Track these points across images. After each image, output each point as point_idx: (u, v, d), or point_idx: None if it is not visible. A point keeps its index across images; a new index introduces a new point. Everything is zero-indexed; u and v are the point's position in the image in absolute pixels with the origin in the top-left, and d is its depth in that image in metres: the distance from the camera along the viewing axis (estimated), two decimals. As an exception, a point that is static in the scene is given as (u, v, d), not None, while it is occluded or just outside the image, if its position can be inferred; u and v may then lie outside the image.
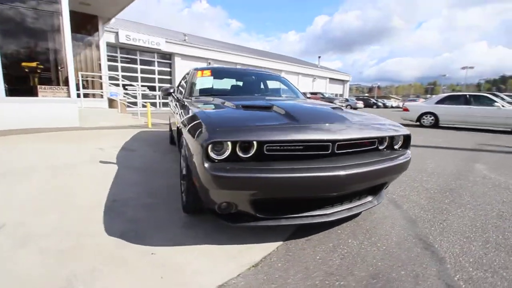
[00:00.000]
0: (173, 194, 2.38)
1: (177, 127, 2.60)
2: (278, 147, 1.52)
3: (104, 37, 9.31)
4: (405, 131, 1.94)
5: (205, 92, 2.87)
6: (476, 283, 1.36)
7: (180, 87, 3.91)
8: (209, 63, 18.25)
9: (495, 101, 8.46)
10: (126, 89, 10.60)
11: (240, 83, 3.19)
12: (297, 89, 3.38)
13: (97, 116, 7.38)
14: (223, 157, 1.44)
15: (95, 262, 1.44)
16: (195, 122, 1.65)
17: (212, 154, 1.43)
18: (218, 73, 3.15)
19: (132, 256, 1.50)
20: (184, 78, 3.99)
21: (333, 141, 1.56)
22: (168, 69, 17.21)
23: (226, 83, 3.02)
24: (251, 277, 1.37)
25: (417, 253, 1.61)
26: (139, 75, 15.74)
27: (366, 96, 44.39)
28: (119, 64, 14.81)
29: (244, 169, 1.40)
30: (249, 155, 1.48)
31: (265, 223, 1.59)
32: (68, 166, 3.11)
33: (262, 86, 3.26)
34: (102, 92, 8.95)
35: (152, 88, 15.59)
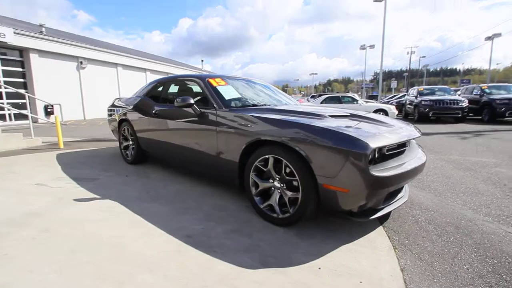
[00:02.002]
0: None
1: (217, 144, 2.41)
2: (392, 148, 1.88)
3: None
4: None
5: (238, 101, 2.75)
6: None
7: (162, 98, 3.42)
8: (81, 62, 15.06)
9: (357, 99, 11.62)
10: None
11: (256, 92, 3.19)
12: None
13: None
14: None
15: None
16: (339, 135, 1.72)
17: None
18: (231, 82, 3.02)
19: None
20: (162, 87, 3.50)
21: (409, 139, 2.07)
22: (19, 69, 12.95)
23: (238, 92, 2.94)
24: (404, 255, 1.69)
25: (450, 209, 2.38)
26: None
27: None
28: None
29: (395, 167, 1.70)
30: (377, 157, 1.77)
31: (381, 212, 1.91)
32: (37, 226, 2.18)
33: (272, 94, 3.38)
34: None
35: (-1, 95, 11.33)
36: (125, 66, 17.79)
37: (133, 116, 3.70)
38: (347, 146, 1.65)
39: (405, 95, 17.85)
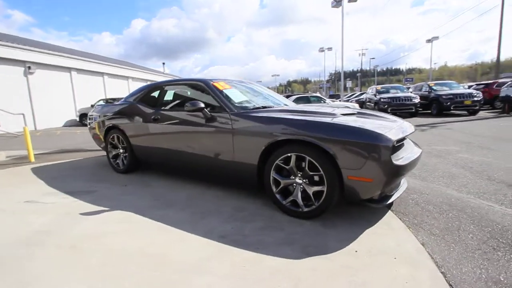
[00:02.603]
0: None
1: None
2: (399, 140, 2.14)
3: None
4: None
5: (247, 104, 2.82)
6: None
7: (159, 103, 3.34)
8: (29, 67, 13.59)
9: (324, 99, 12.31)
10: None
11: (256, 94, 3.27)
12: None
13: None
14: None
15: None
16: (364, 132, 1.92)
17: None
18: (236, 85, 3.08)
19: None
20: (157, 93, 3.42)
21: (411, 133, 2.37)
22: None
23: (242, 94, 3.02)
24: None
25: (438, 191, 2.76)
26: None
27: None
28: None
29: (406, 157, 1.95)
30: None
31: (394, 197, 2.16)
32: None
33: (270, 95, 3.50)
34: None
35: None
36: (80, 71, 16.45)
37: (124, 123, 3.54)
38: (372, 140, 1.85)
39: (363, 93, 19.30)
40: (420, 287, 1.42)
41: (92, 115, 4.15)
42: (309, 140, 2.06)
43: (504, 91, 11.41)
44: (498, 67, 17.56)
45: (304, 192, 2.20)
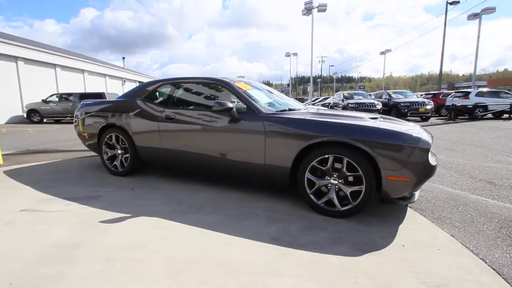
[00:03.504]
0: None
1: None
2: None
3: None
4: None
5: (272, 105, 2.81)
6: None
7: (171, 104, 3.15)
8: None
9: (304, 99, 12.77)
10: None
11: (274, 96, 3.27)
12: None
13: None
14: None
15: None
16: (405, 135, 2.08)
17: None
18: (255, 86, 3.05)
19: None
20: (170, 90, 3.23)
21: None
22: None
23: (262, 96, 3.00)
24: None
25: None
26: None
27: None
28: None
29: (432, 158, 2.17)
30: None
31: (416, 195, 2.36)
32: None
33: (285, 97, 3.53)
34: None
35: None
36: (28, 61, 14.57)
37: (126, 122, 3.26)
38: (414, 143, 2.03)
39: (326, 98, 20.40)
40: (473, 272, 1.60)
41: (84, 112, 3.73)
42: (349, 142, 2.16)
43: (449, 101, 13.10)
44: (440, 80, 20.12)
45: (339, 191, 2.29)
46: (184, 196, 2.76)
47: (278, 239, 1.95)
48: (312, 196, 2.37)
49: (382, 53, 29.80)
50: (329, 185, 2.33)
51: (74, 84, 17.96)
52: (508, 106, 11.78)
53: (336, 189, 2.30)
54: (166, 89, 3.22)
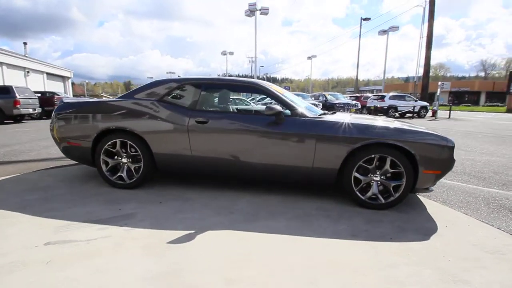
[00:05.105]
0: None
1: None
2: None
3: None
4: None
5: (309, 109, 2.91)
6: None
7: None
8: None
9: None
10: None
11: (298, 98, 3.33)
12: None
13: None
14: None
15: None
16: (437, 136, 2.52)
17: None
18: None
19: None
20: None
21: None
22: None
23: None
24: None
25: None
26: None
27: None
28: None
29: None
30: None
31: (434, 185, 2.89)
32: None
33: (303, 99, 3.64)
34: None
35: None
36: None
37: (141, 125, 2.82)
38: (445, 142, 2.50)
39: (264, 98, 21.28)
40: (507, 241, 2.10)
41: (66, 112, 3.02)
42: (394, 143, 2.49)
43: (370, 103, 15.56)
44: (357, 84, 23.68)
45: (379, 186, 2.61)
46: (228, 205, 2.62)
47: (356, 235, 2.11)
48: (358, 193, 2.62)
49: (309, 57, 33.13)
50: (372, 181, 2.62)
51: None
52: (412, 108, 14.85)
53: (378, 184, 2.61)
54: (190, 90, 2.93)
